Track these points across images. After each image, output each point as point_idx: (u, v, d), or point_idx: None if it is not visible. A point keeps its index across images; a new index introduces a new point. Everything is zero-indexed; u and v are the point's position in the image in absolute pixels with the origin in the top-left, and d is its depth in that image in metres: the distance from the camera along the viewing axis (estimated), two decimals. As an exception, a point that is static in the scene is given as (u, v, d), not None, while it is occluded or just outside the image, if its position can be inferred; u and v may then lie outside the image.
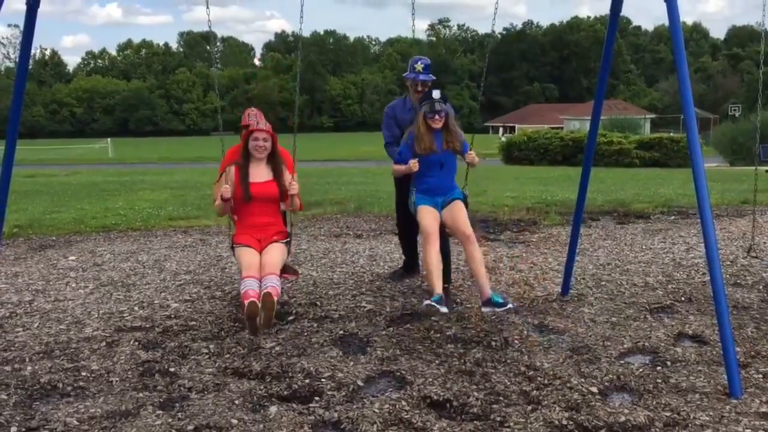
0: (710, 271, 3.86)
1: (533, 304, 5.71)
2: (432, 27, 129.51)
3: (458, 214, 5.55)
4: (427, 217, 5.51)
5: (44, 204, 12.11)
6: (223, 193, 5.22)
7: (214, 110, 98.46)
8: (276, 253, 5.25)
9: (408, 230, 6.33)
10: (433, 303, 5.21)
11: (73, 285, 6.47)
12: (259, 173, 5.36)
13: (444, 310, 5.22)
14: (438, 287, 5.35)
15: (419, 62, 6.00)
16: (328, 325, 5.20)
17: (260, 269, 5.12)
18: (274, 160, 5.41)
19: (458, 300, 5.79)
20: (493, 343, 4.76)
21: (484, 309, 5.37)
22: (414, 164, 5.46)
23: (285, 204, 5.46)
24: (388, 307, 5.65)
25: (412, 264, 6.58)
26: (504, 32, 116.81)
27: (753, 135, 6.17)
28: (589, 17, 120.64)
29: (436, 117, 5.54)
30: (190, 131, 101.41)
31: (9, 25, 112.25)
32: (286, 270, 5.93)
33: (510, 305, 5.38)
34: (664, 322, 5.19)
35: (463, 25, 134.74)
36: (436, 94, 5.60)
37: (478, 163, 5.74)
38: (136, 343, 4.81)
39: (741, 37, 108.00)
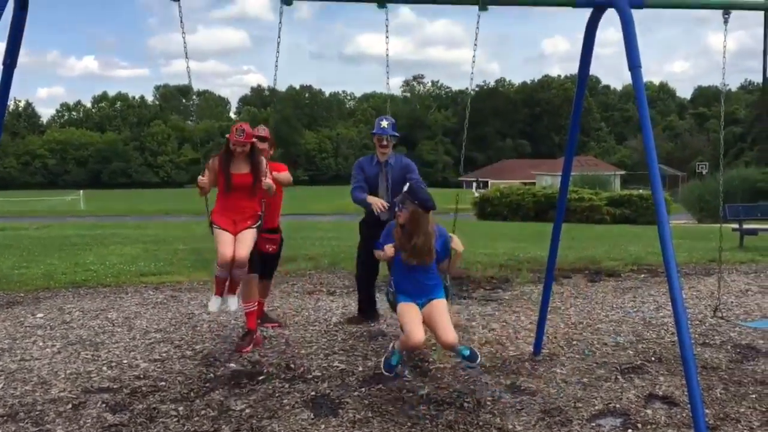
0: (678, 335, 3.91)
1: (506, 364, 5.72)
2: (407, 83, 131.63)
3: (439, 317, 4.91)
4: (411, 322, 4.84)
5: (13, 259, 11.92)
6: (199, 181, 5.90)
7: (189, 162, 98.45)
8: (245, 245, 5.80)
9: (366, 283, 7.08)
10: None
11: (41, 344, 6.36)
12: (238, 166, 5.94)
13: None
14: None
15: (384, 120, 6.61)
16: (300, 386, 5.16)
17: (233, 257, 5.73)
18: (252, 157, 5.95)
19: (431, 359, 5.78)
20: (466, 405, 4.75)
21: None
22: (390, 249, 4.95)
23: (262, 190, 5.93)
24: (360, 367, 5.63)
25: (368, 311, 7.11)
26: (477, 89, 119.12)
27: (719, 194, 6.35)
28: (559, 76, 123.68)
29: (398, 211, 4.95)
30: (164, 183, 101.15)
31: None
32: (267, 320, 6.93)
33: (478, 360, 5.02)
34: (634, 383, 5.22)
35: (437, 81, 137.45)
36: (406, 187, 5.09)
37: (461, 250, 5.23)
38: (104, 405, 4.72)
39: (706, 96, 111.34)
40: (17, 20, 3.98)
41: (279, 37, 4.90)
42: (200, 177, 5.91)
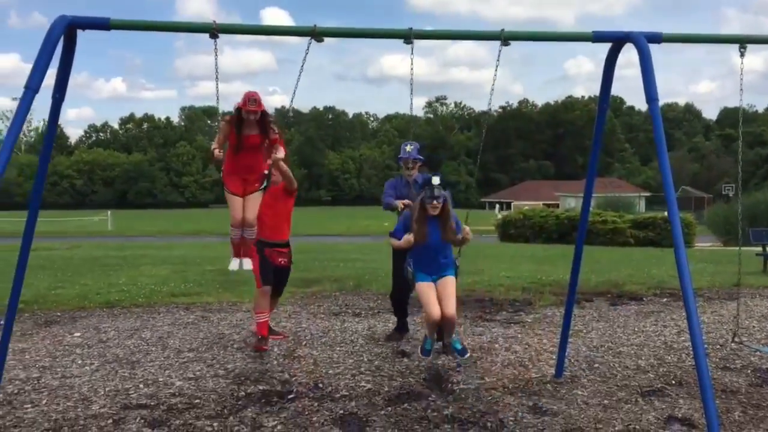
0: (695, 358, 4.05)
1: (528, 386, 5.86)
2: (429, 104, 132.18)
3: (447, 292, 5.78)
4: (429, 301, 5.73)
5: (48, 279, 12.28)
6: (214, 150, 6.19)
7: (213, 183, 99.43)
8: (253, 208, 6.40)
9: (400, 297, 7.44)
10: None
11: (79, 362, 6.62)
12: (249, 129, 6.27)
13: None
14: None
15: (408, 144, 7.21)
16: (329, 404, 5.35)
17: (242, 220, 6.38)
18: (262, 122, 6.28)
19: (454, 380, 5.94)
20: (489, 424, 4.90)
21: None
22: (409, 239, 5.75)
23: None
24: (386, 387, 5.80)
25: (403, 325, 7.60)
26: (500, 110, 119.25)
27: (744, 217, 6.43)
28: (583, 97, 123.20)
29: (434, 202, 5.69)
30: (189, 204, 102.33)
31: (14, 98, 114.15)
32: (272, 333, 7.44)
33: (467, 354, 5.99)
34: (654, 405, 5.34)
35: (460, 102, 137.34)
36: (435, 180, 5.76)
37: (471, 238, 6.00)
38: (142, 421, 4.95)
39: (732, 118, 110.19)
40: (65, 62, 4.27)
41: (301, 68, 5.11)
42: (213, 145, 6.23)
